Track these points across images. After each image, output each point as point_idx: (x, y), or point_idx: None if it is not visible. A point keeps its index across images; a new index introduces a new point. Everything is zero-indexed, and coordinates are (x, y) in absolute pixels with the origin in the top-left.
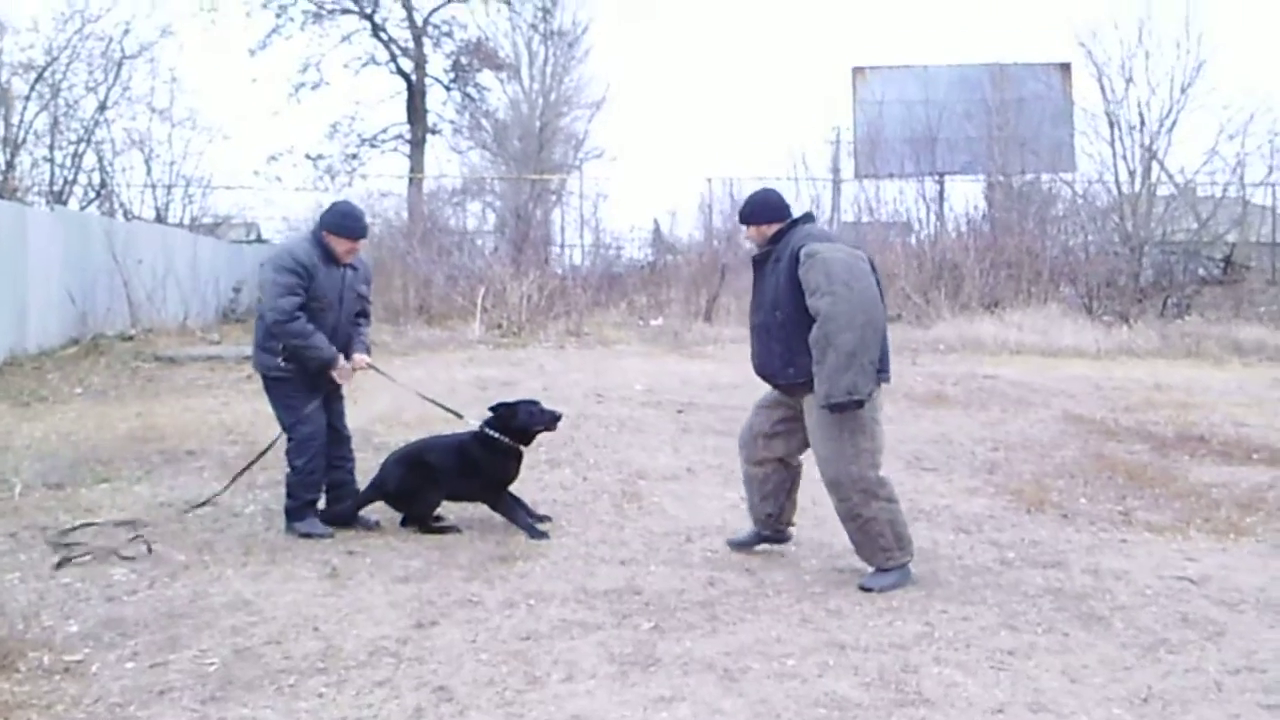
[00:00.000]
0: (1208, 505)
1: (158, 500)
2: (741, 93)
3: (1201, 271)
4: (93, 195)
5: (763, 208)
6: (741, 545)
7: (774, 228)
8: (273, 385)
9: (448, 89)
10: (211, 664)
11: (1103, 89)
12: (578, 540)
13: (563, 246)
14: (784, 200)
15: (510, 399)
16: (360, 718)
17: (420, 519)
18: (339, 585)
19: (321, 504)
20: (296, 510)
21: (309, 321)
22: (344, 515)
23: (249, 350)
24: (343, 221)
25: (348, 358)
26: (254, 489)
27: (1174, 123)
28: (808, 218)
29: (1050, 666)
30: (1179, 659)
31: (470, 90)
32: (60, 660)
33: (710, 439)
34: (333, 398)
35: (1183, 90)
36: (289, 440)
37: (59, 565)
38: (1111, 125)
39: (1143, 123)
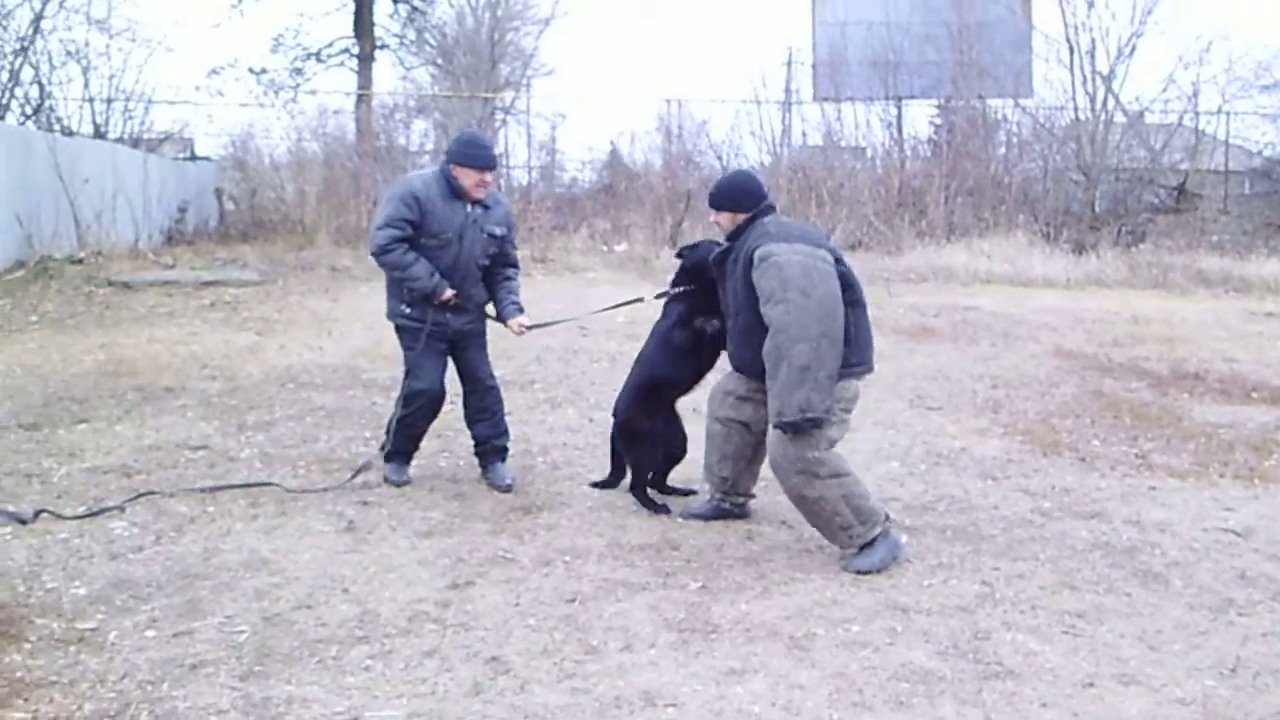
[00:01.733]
0: (1221, 448)
1: (144, 443)
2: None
3: (1154, 200)
4: (30, 111)
5: (736, 193)
6: (696, 516)
7: (743, 217)
8: (400, 333)
9: (395, 1)
10: (241, 632)
11: (1063, 13)
12: (600, 489)
13: (508, 169)
14: (758, 186)
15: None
16: (416, 694)
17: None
18: (359, 541)
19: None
20: (388, 453)
21: (420, 256)
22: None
23: (206, 275)
24: (466, 149)
25: (465, 299)
26: (245, 430)
27: (1133, 49)
28: (768, 209)
29: (1125, 632)
30: (1252, 622)
31: (417, 2)
32: (73, 628)
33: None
34: (472, 346)
35: (1142, 19)
36: (404, 382)
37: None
38: (1071, 51)
39: (1094, 48)
